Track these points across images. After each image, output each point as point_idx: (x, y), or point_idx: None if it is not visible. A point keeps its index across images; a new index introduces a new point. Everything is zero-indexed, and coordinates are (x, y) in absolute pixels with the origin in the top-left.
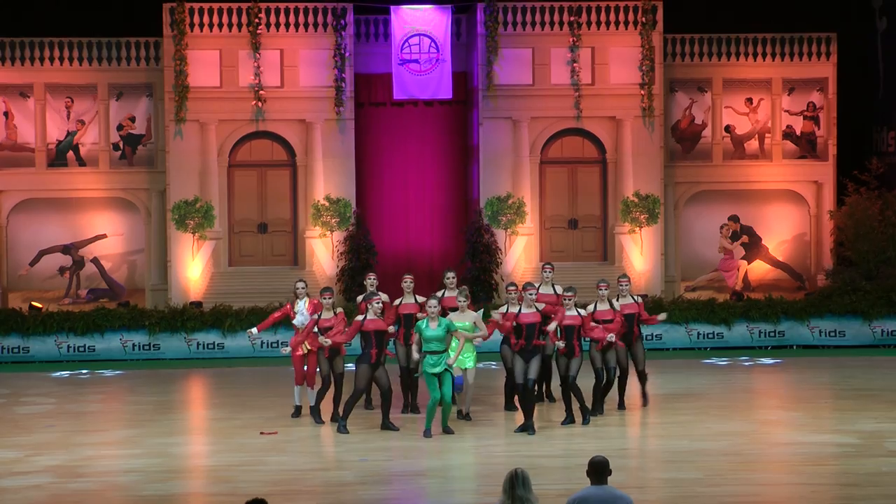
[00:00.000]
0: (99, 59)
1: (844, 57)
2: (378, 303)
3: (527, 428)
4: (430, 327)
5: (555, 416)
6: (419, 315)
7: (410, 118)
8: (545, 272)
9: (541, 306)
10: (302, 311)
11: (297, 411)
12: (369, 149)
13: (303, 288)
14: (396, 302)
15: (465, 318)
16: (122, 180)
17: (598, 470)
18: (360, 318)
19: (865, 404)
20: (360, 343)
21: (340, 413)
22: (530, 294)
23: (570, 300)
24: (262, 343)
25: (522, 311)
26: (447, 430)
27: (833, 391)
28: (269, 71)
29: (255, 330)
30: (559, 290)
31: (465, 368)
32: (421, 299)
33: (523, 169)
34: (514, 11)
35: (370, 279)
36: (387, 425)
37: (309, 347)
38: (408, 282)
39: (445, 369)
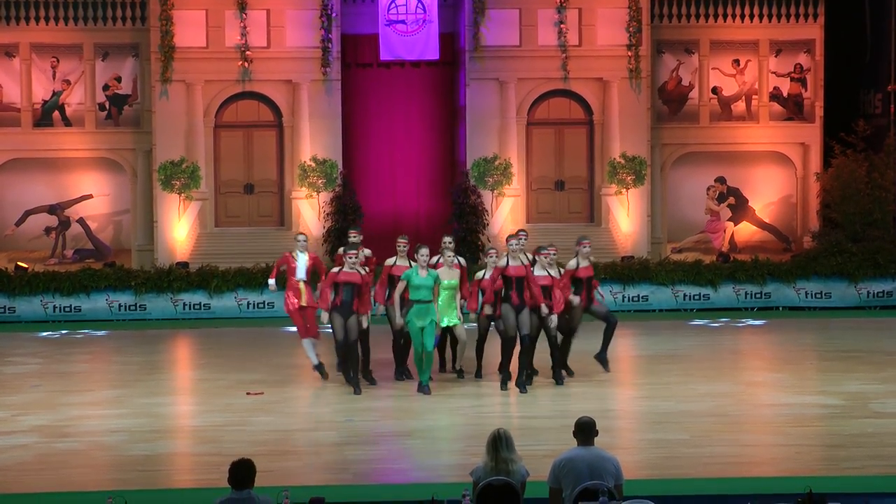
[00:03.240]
0: (85, 19)
1: (832, 18)
2: (353, 257)
3: (520, 384)
4: (420, 275)
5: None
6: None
7: (397, 79)
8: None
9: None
10: (303, 266)
11: (321, 369)
12: (356, 110)
13: (304, 241)
14: (389, 262)
15: (452, 276)
16: (107, 140)
17: (585, 430)
18: (334, 270)
19: (851, 366)
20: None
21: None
22: (514, 246)
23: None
24: (249, 304)
25: (510, 263)
26: (423, 389)
27: (818, 352)
28: (256, 31)
29: (272, 281)
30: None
31: (452, 326)
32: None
33: (510, 130)
34: None
35: (401, 245)
36: (349, 380)
37: (306, 304)
38: (402, 245)
39: (431, 320)
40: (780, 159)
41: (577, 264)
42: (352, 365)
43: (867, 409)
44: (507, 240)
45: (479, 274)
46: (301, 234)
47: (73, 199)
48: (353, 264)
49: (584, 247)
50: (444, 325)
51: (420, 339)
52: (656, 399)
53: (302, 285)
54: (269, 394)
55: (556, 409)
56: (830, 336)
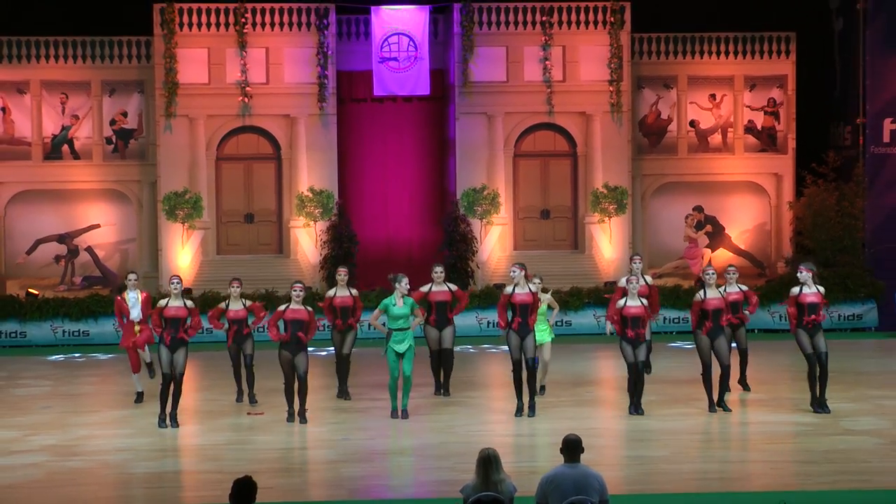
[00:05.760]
0: (93, 57)
1: (803, 55)
2: (298, 291)
3: (531, 407)
4: (397, 305)
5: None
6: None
7: (390, 113)
8: (634, 263)
9: (534, 287)
10: (135, 304)
11: (140, 396)
12: (351, 142)
13: (134, 280)
14: (330, 293)
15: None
16: (114, 173)
17: (572, 448)
18: (281, 307)
19: None
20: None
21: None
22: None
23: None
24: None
25: (517, 291)
26: (404, 413)
27: (792, 373)
28: (255, 68)
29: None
30: (649, 280)
31: (541, 343)
32: (354, 291)
33: (498, 162)
34: (489, 11)
35: (340, 275)
36: (302, 412)
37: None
38: (342, 275)
39: (409, 346)
40: (755, 189)
41: (801, 290)
42: (290, 397)
43: (838, 427)
44: (513, 269)
45: (622, 303)
46: (132, 272)
47: (81, 228)
48: (298, 300)
49: (802, 272)
50: (540, 341)
51: (398, 365)
52: (639, 417)
53: (137, 326)
54: (268, 414)
55: (542, 428)
56: (803, 358)
